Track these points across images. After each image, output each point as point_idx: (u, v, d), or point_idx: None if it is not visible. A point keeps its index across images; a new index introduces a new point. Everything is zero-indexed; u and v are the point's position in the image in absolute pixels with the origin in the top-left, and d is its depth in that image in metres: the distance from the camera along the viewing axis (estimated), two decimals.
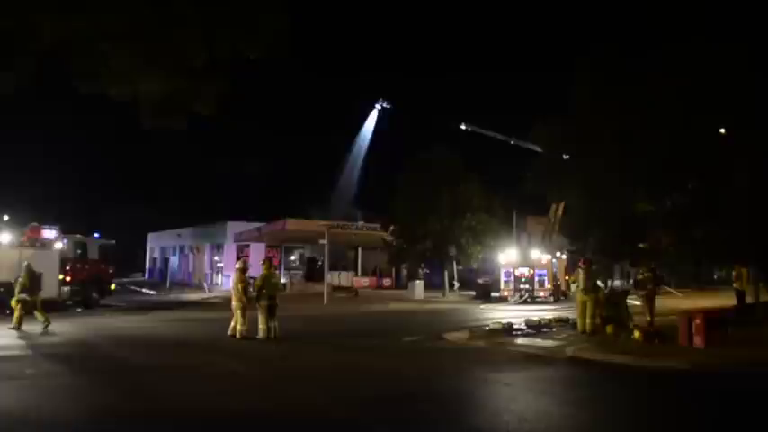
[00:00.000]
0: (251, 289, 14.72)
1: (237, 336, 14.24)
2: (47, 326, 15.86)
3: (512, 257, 30.67)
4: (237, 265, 15.47)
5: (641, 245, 18.00)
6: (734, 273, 20.31)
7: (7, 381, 9.49)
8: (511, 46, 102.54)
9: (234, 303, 14.54)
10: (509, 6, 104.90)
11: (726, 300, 20.30)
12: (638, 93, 15.48)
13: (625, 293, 15.82)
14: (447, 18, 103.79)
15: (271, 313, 14.49)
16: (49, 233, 22.65)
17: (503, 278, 30.67)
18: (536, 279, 29.85)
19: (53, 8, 8.13)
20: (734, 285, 19.95)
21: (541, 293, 29.76)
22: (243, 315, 14.39)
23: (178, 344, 14.32)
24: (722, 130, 15.76)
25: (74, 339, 14.78)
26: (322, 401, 8.24)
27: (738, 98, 14.32)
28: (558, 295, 30.27)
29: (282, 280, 37.50)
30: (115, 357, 12.24)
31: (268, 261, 15.82)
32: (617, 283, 34.04)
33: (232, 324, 14.45)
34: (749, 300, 19.05)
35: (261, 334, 14.30)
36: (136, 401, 8.33)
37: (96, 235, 26.02)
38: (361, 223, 39.29)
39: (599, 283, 15.42)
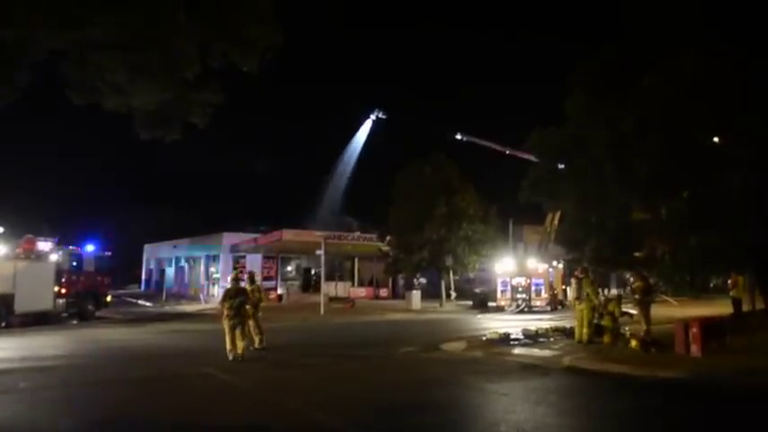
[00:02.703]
0: (247, 306, 13.46)
1: (240, 353, 12.70)
2: None
3: (508, 267, 30.67)
4: (230, 277, 14.49)
5: (637, 253, 18.02)
6: (730, 281, 20.34)
7: (1, 394, 9.42)
8: (507, 57, 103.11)
9: (229, 322, 12.85)
10: (505, 17, 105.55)
11: (722, 308, 20.32)
12: (633, 101, 15.55)
13: (618, 300, 15.76)
14: (444, 28, 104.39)
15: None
16: (44, 245, 22.57)
17: (499, 288, 30.65)
18: (533, 288, 29.84)
19: (50, 20, 8.15)
20: (730, 293, 19.98)
21: (538, 303, 29.73)
22: (233, 332, 12.85)
23: (174, 356, 14.23)
24: (716, 139, 15.83)
25: (68, 352, 14.68)
26: (319, 413, 8.19)
27: (732, 106, 14.38)
28: (555, 304, 30.25)
29: (279, 291, 37.49)
30: (110, 370, 12.15)
31: (252, 275, 15.47)
32: (614, 291, 34.04)
33: (229, 347, 12.71)
34: (746, 307, 19.08)
35: (258, 344, 14.10)
36: (131, 414, 8.27)
37: (92, 247, 25.93)
38: (357, 234, 39.23)
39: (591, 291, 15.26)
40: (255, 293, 14.30)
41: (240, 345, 12.76)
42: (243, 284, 14.25)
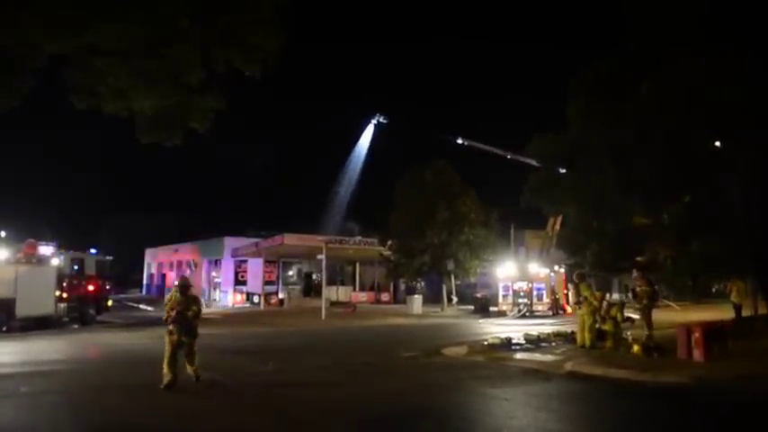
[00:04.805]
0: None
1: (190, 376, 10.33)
2: None
3: (510, 271, 30.63)
4: (176, 283, 11.04)
5: (639, 258, 18.01)
6: (728, 286, 20.17)
7: (1, 399, 9.40)
8: (508, 61, 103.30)
9: (184, 339, 10.25)
10: (506, 23, 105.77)
11: (724, 313, 20.24)
12: (633, 107, 15.56)
13: (620, 305, 15.70)
14: (445, 34, 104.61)
15: None
16: (45, 249, 22.57)
17: (501, 292, 30.62)
18: (534, 293, 29.79)
19: (52, 25, 8.17)
20: (731, 299, 19.85)
21: (540, 307, 29.68)
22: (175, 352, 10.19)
23: None
24: (717, 143, 15.84)
25: (69, 357, 14.67)
26: (321, 419, 8.17)
27: (732, 110, 14.38)
28: (557, 309, 30.20)
29: (280, 295, 37.45)
30: (112, 375, 12.13)
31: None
32: (615, 296, 33.99)
33: (166, 369, 10.02)
34: (747, 312, 18.99)
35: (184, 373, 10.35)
36: (132, 419, 8.25)
37: (93, 251, 25.93)
38: (358, 238, 39.23)
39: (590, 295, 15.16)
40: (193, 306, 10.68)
41: (189, 368, 10.34)
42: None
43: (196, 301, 10.87)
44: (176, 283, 10.93)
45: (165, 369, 9.94)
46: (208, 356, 14.35)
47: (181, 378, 10.03)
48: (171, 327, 10.22)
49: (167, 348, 10.07)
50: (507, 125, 76.57)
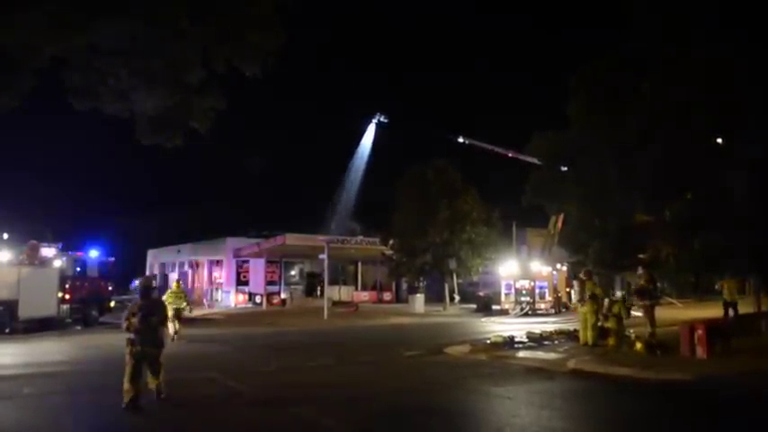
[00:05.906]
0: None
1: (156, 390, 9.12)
2: None
3: (512, 270, 30.58)
4: (140, 283, 10.07)
5: (641, 256, 17.97)
6: (720, 284, 19.83)
7: (4, 400, 9.42)
8: (509, 60, 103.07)
9: (147, 349, 8.93)
10: (508, 21, 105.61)
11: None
12: (633, 107, 15.55)
13: (622, 302, 15.65)
14: (446, 32, 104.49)
15: None
16: (48, 251, 22.58)
17: (503, 291, 30.56)
18: (537, 291, 29.76)
19: (53, 26, 8.18)
20: (723, 296, 19.59)
21: (542, 306, 29.65)
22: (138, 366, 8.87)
23: (177, 360, 14.12)
24: (719, 140, 15.81)
25: (72, 358, 14.68)
26: (323, 417, 8.16)
27: (731, 112, 14.36)
28: (559, 307, 30.18)
29: (283, 295, 37.45)
30: (114, 376, 12.02)
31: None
32: (618, 293, 33.93)
33: (126, 386, 8.64)
34: (749, 310, 18.89)
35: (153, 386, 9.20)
36: (135, 420, 8.25)
37: (95, 252, 25.94)
38: (360, 237, 39.22)
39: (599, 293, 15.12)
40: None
41: (152, 381, 9.08)
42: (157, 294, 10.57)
43: (161, 305, 9.77)
44: (137, 283, 9.53)
45: (127, 385, 8.52)
46: (210, 356, 14.41)
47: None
48: (132, 336, 8.81)
49: (128, 361, 8.65)
50: (508, 124, 76.39)
